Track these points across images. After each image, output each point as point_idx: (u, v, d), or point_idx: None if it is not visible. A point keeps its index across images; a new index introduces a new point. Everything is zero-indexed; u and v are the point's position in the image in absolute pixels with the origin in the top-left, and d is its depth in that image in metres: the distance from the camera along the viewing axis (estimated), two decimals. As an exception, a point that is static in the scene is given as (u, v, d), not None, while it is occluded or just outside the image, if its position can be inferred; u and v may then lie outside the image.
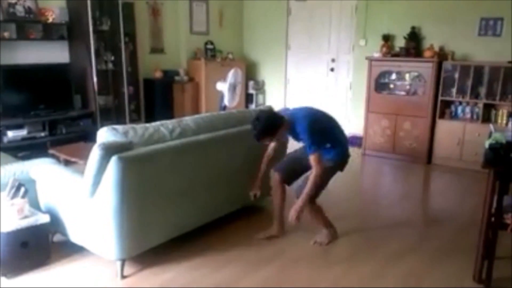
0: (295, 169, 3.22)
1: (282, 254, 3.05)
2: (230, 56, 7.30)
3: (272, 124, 2.94)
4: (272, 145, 3.24)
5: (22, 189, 2.71)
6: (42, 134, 4.96)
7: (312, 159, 2.95)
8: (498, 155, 2.56)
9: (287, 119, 3.00)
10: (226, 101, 5.27)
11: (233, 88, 5.24)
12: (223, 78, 5.33)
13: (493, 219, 2.59)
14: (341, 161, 3.16)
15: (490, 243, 2.61)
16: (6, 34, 4.73)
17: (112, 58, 5.74)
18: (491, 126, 3.32)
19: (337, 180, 4.90)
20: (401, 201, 4.33)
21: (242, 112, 3.66)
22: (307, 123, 2.96)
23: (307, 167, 3.03)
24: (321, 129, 3.01)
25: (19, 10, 4.84)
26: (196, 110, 6.68)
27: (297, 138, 3.08)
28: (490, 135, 2.93)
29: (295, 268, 2.91)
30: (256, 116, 2.97)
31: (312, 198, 3.06)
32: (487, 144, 2.72)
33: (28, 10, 4.91)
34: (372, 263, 2.99)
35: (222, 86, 5.25)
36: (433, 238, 3.41)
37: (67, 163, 3.90)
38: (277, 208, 3.32)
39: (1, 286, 2.62)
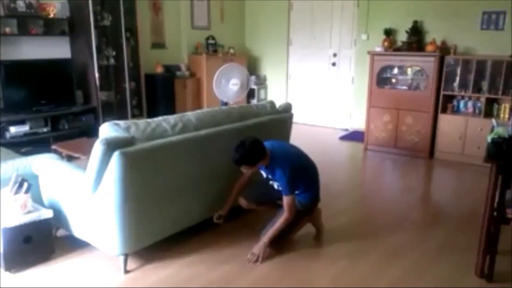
0: (263, 200, 3.18)
1: (279, 252, 3.02)
2: (232, 51, 7.28)
3: (255, 153, 2.84)
4: (247, 174, 3.16)
5: (25, 185, 2.72)
6: (45, 129, 4.97)
7: (285, 200, 2.87)
8: (501, 150, 2.56)
9: (268, 154, 2.89)
10: (218, 95, 5.23)
11: (227, 82, 5.21)
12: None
13: (495, 213, 2.59)
14: (311, 205, 3.09)
15: (492, 238, 2.62)
16: (7, 30, 4.73)
17: (114, 53, 5.74)
18: (494, 121, 3.30)
19: (339, 175, 4.96)
20: (402, 196, 4.33)
21: (243, 107, 3.66)
22: (288, 169, 2.85)
23: (276, 199, 3.01)
24: (299, 175, 2.92)
25: (20, 6, 4.83)
26: (197, 105, 6.68)
27: (270, 176, 2.99)
28: (492, 130, 2.93)
29: (293, 265, 2.90)
30: (242, 140, 2.85)
31: (276, 239, 2.98)
32: (489, 138, 2.71)
33: (29, 6, 4.90)
34: (373, 258, 2.99)
35: (219, 81, 5.23)
36: (435, 232, 3.41)
37: (69, 158, 3.91)
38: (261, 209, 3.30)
39: (5, 281, 2.63)
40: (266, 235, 2.93)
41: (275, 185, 3.02)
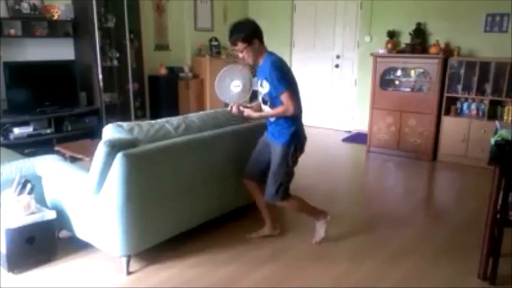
0: (262, 169, 3.08)
1: (282, 253, 3.04)
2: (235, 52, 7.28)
3: (253, 27, 2.84)
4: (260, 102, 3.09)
5: (29, 186, 2.73)
6: (48, 131, 4.98)
7: (283, 98, 2.79)
8: (504, 152, 2.55)
9: (265, 47, 2.92)
10: (219, 96, 5.23)
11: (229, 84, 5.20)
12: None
13: (498, 216, 2.59)
14: (295, 144, 2.92)
15: (495, 240, 2.61)
16: (12, 31, 4.75)
17: (117, 55, 5.76)
18: (497, 123, 3.29)
19: (341, 176, 4.95)
20: (405, 198, 4.32)
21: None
22: (283, 65, 2.86)
23: (259, 173, 3.06)
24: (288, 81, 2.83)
25: (25, 7, 4.85)
26: (201, 106, 6.69)
27: (261, 78, 2.92)
28: (495, 132, 2.92)
29: (296, 266, 2.90)
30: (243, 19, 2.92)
31: (275, 192, 2.96)
32: (492, 140, 2.71)
33: (34, 7, 4.92)
34: (375, 260, 2.98)
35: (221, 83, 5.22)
36: (437, 235, 3.40)
37: (73, 160, 3.92)
38: (262, 209, 3.25)
39: (8, 282, 2.64)
40: (259, 113, 2.97)
41: (263, 90, 2.92)
